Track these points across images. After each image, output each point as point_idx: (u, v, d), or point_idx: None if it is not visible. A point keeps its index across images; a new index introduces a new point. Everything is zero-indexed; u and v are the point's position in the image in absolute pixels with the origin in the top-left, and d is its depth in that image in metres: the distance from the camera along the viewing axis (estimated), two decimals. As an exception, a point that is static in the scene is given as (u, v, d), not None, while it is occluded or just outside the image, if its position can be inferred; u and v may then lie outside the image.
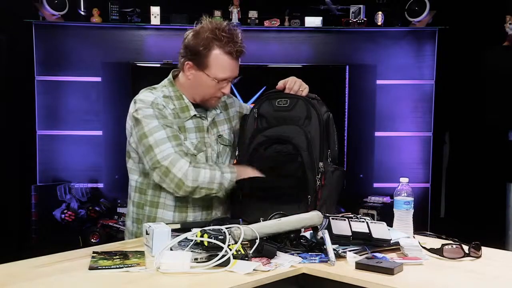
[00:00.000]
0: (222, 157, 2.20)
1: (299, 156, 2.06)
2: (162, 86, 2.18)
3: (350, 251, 1.75)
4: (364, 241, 1.79)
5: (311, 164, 2.05)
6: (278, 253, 1.74)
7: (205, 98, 2.14)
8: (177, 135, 2.07)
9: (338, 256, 1.71)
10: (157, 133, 2.03)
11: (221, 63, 2.06)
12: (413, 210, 1.99)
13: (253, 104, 2.26)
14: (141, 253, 1.75)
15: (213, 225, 1.79)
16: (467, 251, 1.77)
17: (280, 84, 2.20)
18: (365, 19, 4.60)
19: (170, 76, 2.21)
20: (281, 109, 2.14)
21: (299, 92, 2.15)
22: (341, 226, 1.80)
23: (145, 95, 2.12)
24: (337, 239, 1.77)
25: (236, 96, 2.44)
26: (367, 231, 1.80)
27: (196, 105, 2.17)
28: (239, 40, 2.08)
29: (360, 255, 1.73)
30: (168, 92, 2.16)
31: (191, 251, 1.68)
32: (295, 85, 2.16)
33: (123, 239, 2.31)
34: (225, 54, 2.06)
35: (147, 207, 2.15)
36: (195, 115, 2.15)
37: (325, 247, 1.72)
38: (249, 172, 2.09)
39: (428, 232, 2.08)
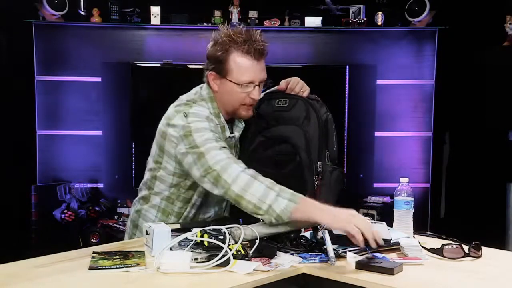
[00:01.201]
0: None
1: (297, 155, 2.06)
2: (201, 100, 2.07)
3: (350, 251, 1.75)
4: (364, 241, 1.79)
5: (309, 164, 2.05)
6: (278, 253, 1.74)
7: (235, 108, 2.06)
8: (228, 148, 1.96)
9: (338, 256, 1.71)
10: (210, 144, 1.91)
11: (240, 65, 2.00)
12: (413, 210, 1.98)
13: (253, 105, 2.26)
14: (141, 253, 1.75)
15: (213, 225, 1.79)
16: (467, 251, 1.77)
17: (282, 84, 2.18)
18: (365, 19, 4.60)
19: (209, 90, 2.09)
20: (280, 109, 2.14)
21: (300, 93, 2.15)
22: (341, 226, 1.80)
23: (198, 109, 2.00)
24: (337, 239, 1.76)
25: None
26: (367, 231, 1.80)
27: (233, 119, 2.12)
28: (258, 39, 2.01)
29: (360, 255, 1.73)
30: (208, 108, 2.06)
31: (191, 251, 1.68)
32: (297, 86, 2.15)
33: (123, 239, 2.30)
34: (244, 55, 2.00)
35: (173, 217, 2.11)
36: (228, 136, 2.11)
37: (325, 247, 1.72)
38: (317, 213, 1.75)
39: (428, 232, 2.08)
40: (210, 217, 2.13)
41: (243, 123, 2.18)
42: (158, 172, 2.10)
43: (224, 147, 1.92)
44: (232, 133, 2.13)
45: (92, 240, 4.30)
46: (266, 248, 1.70)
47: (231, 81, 2.01)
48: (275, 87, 2.21)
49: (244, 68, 2.00)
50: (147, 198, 2.16)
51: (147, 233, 1.79)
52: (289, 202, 1.75)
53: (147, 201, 2.16)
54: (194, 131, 1.93)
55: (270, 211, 1.75)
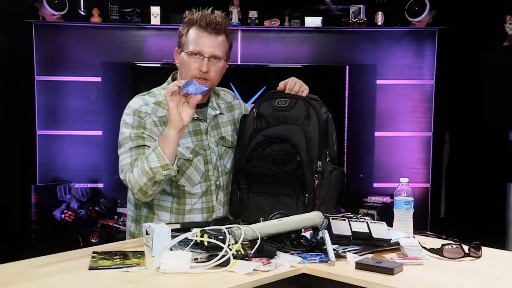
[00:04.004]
0: (223, 159, 2.20)
1: (297, 155, 2.06)
2: (161, 89, 2.19)
3: (350, 251, 1.75)
4: (364, 241, 1.79)
5: (309, 163, 2.05)
6: (278, 253, 1.74)
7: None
8: (143, 146, 2.06)
9: (338, 256, 1.72)
10: (125, 145, 2.10)
11: (192, 35, 2.10)
12: (413, 210, 1.99)
13: (253, 104, 2.26)
14: (141, 253, 1.75)
15: (213, 225, 1.79)
16: (467, 251, 1.77)
17: (281, 85, 2.19)
18: (365, 19, 4.60)
19: (169, 78, 2.22)
20: (280, 109, 2.15)
21: (299, 92, 2.16)
22: (341, 226, 1.80)
23: (133, 101, 2.16)
24: (337, 239, 1.77)
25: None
26: (367, 231, 1.80)
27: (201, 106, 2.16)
28: (216, 16, 2.12)
29: (360, 255, 1.73)
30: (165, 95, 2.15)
31: (191, 251, 1.69)
32: (295, 86, 2.16)
33: (123, 239, 2.31)
34: (197, 28, 2.10)
35: (145, 208, 2.16)
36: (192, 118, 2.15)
37: (325, 247, 1.72)
38: (169, 131, 1.94)
39: (428, 232, 2.08)
40: (197, 209, 2.14)
41: (216, 110, 2.22)
42: None
43: (134, 147, 2.06)
44: (200, 116, 2.17)
45: (92, 240, 4.30)
46: (266, 248, 1.70)
47: (183, 51, 2.11)
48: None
49: (194, 38, 2.10)
50: (128, 196, 2.25)
51: (147, 233, 1.79)
52: (154, 151, 1.95)
53: (128, 199, 2.25)
54: (121, 125, 2.14)
55: (156, 171, 1.93)
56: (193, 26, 2.10)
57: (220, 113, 2.24)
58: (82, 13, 4.49)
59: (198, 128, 2.16)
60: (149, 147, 2.03)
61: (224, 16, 2.15)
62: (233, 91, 2.44)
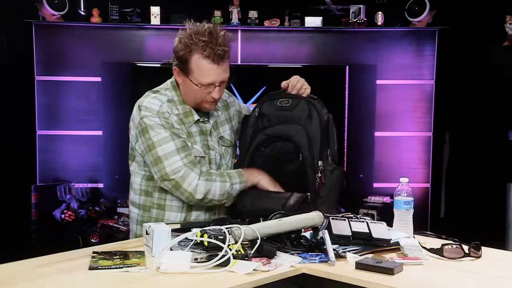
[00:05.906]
0: (225, 158, 2.21)
1: (299, 154, 2.07)
2: (165, 89, 2.16)
3: (350, 251, 1.75)
4: (364, 241, 1.79)
5: (311, 162, 2.06)
6: (278, 253, 1.74)
7: (196, 103, 2.12)
8: (186, 146, 2.06)
9: (338, 256, 1.72)
10: (166, 145, 2.02)
11: (201, 68, 2.03)
12: (413, 210, 1.99)
13: (253, 104, 2.27)
14: (141, 253, 1.75)
15: (213, 225, 1.79)
16: (467, 251, 1.77)
17: (284, 83, 2.20)
18: (365, 19, 4.60)
19: (173, 79, 2.17)
20: (282, 109, 2.15)
21: (302, 90, 2.16)
22: (341, 226, 1.80)
23: (150, 102, 2.10)
24: (337, 239, 1.77)
25: (236, 96, 2.44)
26: (367, 231, 1.80)
27: (197, 109, 2.16)
28: (219, 42, 2.01)
29: (360, 255, 1.73)
30: (172, 96, 2.14)
31: (191, 251, 1.69)
32: (298, 83, 2.17)
33: (123, 239, 2.31)
34: (204, 58, 2.02)
35: (155, 209, 2.15)
36: (198, 119, 2.15)
37: (325, 247, 1.72)
38: (257, 177, 2.09)
39: (428, 232, 2.08)
40: (202, 206, 2.14)
41: (218, 111, 2.23)
42: (131, 166, 2.18)
43: (180, 148, 2.02)
44: (205, 117, 2.17)
45: (92, 240, 4.29)
46: (266, 248, 1.70)
47: (192, 81, 2.06)
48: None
49: (204, 71, 2.04)
50: (130, 199, 2.22)
51: (147, 233, 1.79)
52: (240, 185, 2.08)
53: (131, 202, 2.22)
54: (149, 128, 2.04)
55: (231, 197, 2.08)
56: (196, 53, 2.02)
57: (220, 113, 2.25)
58: (82, 13, 4.49)
59: (204, 129, 2.17)
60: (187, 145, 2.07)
61: (225, 35, 2.04)
62: (233, 91, 2.44)
